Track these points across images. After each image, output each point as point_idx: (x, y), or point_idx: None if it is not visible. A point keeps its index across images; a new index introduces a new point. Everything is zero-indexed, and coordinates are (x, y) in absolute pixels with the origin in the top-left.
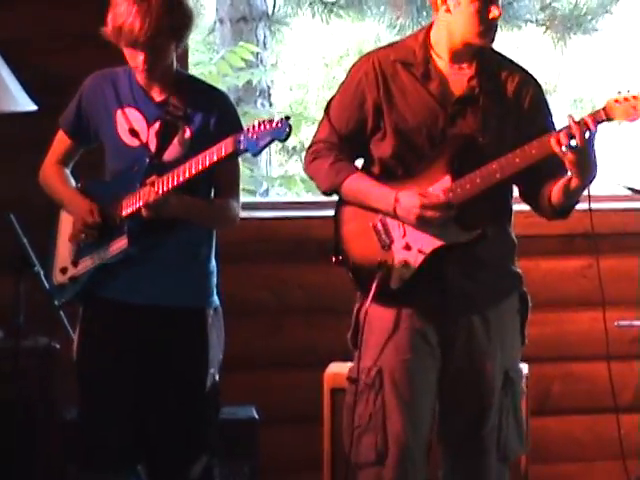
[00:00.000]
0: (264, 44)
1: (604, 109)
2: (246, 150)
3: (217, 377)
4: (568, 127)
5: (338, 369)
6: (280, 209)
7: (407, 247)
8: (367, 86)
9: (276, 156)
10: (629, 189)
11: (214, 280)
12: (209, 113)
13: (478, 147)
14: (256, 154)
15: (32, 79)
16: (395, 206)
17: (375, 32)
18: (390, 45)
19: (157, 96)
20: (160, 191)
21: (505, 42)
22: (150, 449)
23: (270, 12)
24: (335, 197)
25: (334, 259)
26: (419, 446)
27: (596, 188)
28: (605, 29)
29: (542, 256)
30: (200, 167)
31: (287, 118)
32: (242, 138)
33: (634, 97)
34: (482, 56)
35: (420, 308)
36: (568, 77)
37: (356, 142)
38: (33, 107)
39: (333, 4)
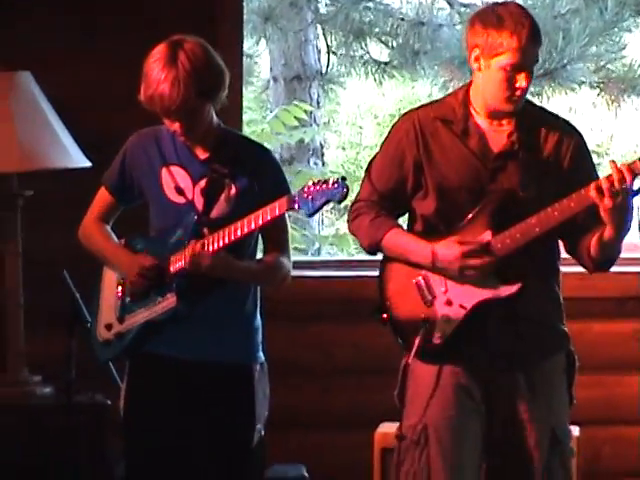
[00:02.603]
0: (317, 103)
1: None
2: (300, 210)
3: (263, 433)
4: (609, 174)
5: (388, 429)
6: (331, 268)
7: (449, 302)
8: (407, 145)
9: (328, 215)
10: None
11: (259, 336)
12: (254, 170)
13: (518, 202)
14: (310, 215)
15: (86, 136)
16: (434, 259)
17: (427, 92)
18: (431, 103)
19: (201, 154)
20: (211, 248)
21: (559, 104)
22: None
23: (324, 71)
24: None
25: (381, 317)
26: None
27: None
28: None
29: (595, 318)
30: (253, 226)
31: (343, 179)
32: (297, 198)
33: None
34: (521, 111)
35: (463, 364)
36: (620, 139)
37: (397, 200)
38: (87, 163)
39: (386, 64)
